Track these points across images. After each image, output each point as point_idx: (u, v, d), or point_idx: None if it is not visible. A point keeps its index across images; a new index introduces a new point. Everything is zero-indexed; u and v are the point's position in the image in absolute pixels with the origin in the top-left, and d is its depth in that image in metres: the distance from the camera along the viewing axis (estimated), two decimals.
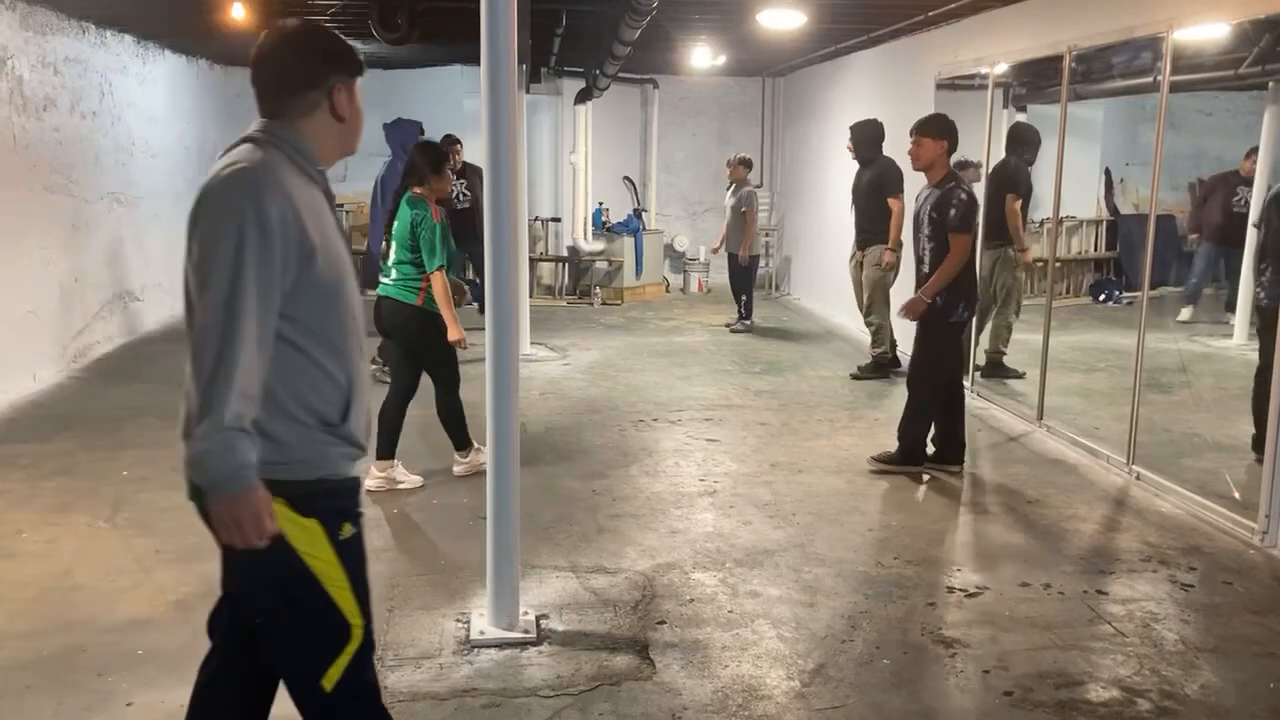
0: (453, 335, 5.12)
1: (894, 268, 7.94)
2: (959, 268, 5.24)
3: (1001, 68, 7.29)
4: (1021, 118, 9.26)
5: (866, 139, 8.12)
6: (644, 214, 12.64)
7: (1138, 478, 5.45)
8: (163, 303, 9.81)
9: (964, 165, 8.21)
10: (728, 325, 10.24)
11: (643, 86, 12.86)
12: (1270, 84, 7.83)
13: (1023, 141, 7.48)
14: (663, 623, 3.74)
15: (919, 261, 5.44)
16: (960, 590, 4.08)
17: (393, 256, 5.18)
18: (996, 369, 7.52)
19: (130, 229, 9.03)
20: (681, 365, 8.40)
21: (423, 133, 8.65)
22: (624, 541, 4.54)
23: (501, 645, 3.53)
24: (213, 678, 2.36)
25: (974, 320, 6.83)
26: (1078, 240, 10.82)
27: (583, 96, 11.82)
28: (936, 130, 5.36)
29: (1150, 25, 5.46)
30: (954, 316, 5.38)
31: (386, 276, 5.20)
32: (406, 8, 7.59)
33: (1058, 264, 8.06)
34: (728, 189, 10.41)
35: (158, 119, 9.74)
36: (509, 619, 3.62)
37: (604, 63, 9.34)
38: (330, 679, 2.16)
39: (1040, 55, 6.70)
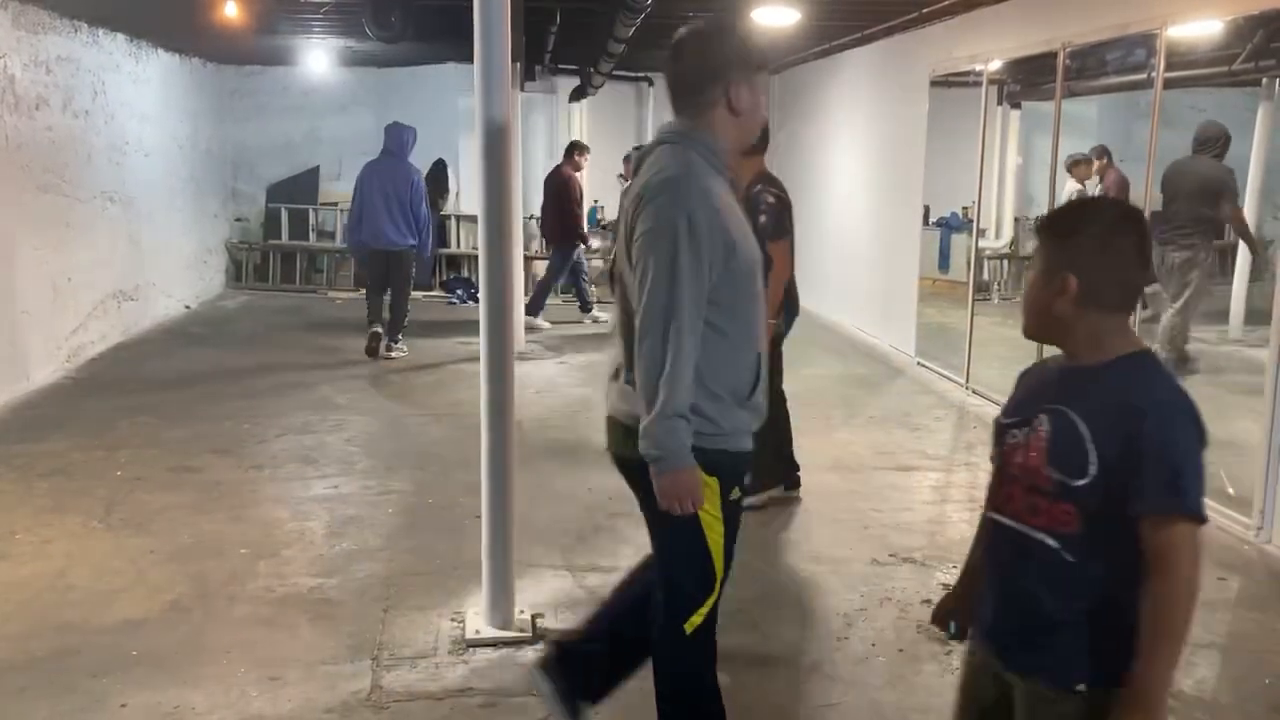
0: None
1: None
2: (786, 276, 4.68)
3: (996, 64, 7.29)
4: (1016, 115, 9.26)
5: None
6: None
7: None
8: (157, 302, 9.79)
9: (1078, 161, 8.06)
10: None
11: (638, 84, 12.83)
12: (1264, 80, 7.82)
13: (1218, 138, 7.26)
14: None
15: None
16: None
17: None
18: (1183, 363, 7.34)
19: (124, 228, 9.00)
20: None
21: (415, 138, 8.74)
22: (620, 540, 4.53)
23: (497, 644, 3.53)
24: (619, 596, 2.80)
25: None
26: None
27: (577, 94, 11.81)
28: None
29: (1144, 21, 5.47)
30: (779, 329, 4.87)
31: None
32: (400, 5, 7.56)
33: None
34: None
35: (151, 118, 9.71)
36: (504, 618, 3.61)
37: (599, 60, 9.33)
38: (692, 624, 2.46)
39: (1035, 52, 6.70)
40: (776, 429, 5.00)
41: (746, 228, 2.40)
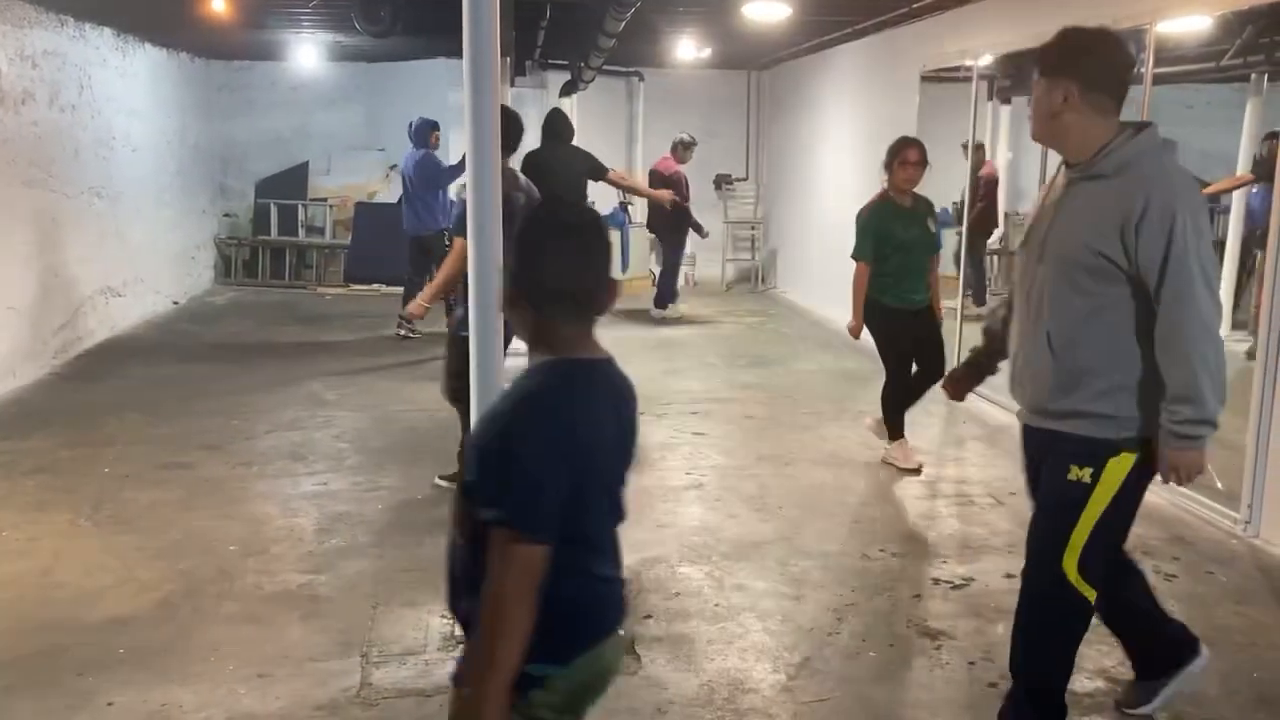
0: (850, 323, 5.40)
1: None
2: (454, 270, 4.52)
3: (986, 60, 7.30)
4: (1006, 110, 9.27)
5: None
6: (629, 208, 12.60)
7: None
8: (144, 298, 9.74)
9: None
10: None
11: (628, 79, 12.81)
12: (1252, 76, 7.85)
13: None
14: (649, 617, 3.73)
15: None
16: (946, 582, 4.08)
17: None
18: None
19: (111, 223, 8.96)
20: (667, 359, 8.38)
21: (437, 128, 9.16)
22: None
23: None
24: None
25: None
26: None
27: (568, 89, 11.77)
28: None
29: (1133, 17, 5.47)
30: (464, 330, 4.54)
31: None
32: (389, 0, 7.54)
33: None
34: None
35: (139, 113, 9.66)
36: None
37: (589, 55, 9.31)
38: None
39: (1024, 47, 6.69)
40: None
41: (1051, 219, 2.71)
